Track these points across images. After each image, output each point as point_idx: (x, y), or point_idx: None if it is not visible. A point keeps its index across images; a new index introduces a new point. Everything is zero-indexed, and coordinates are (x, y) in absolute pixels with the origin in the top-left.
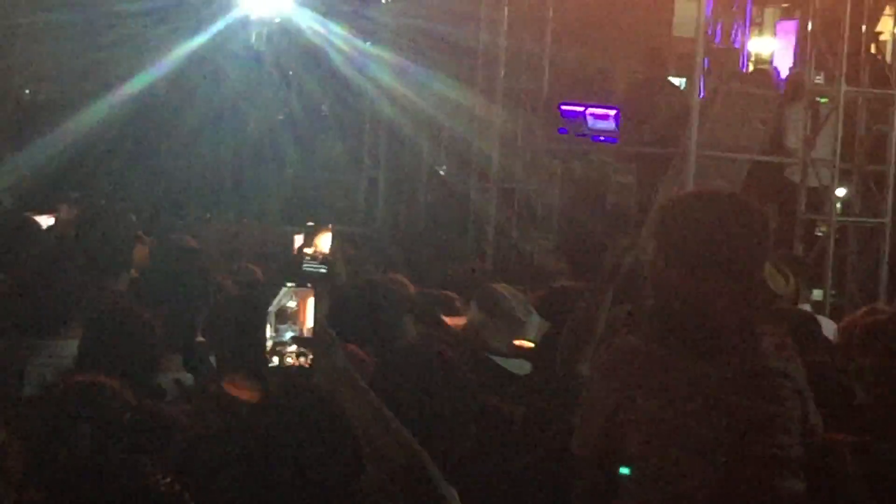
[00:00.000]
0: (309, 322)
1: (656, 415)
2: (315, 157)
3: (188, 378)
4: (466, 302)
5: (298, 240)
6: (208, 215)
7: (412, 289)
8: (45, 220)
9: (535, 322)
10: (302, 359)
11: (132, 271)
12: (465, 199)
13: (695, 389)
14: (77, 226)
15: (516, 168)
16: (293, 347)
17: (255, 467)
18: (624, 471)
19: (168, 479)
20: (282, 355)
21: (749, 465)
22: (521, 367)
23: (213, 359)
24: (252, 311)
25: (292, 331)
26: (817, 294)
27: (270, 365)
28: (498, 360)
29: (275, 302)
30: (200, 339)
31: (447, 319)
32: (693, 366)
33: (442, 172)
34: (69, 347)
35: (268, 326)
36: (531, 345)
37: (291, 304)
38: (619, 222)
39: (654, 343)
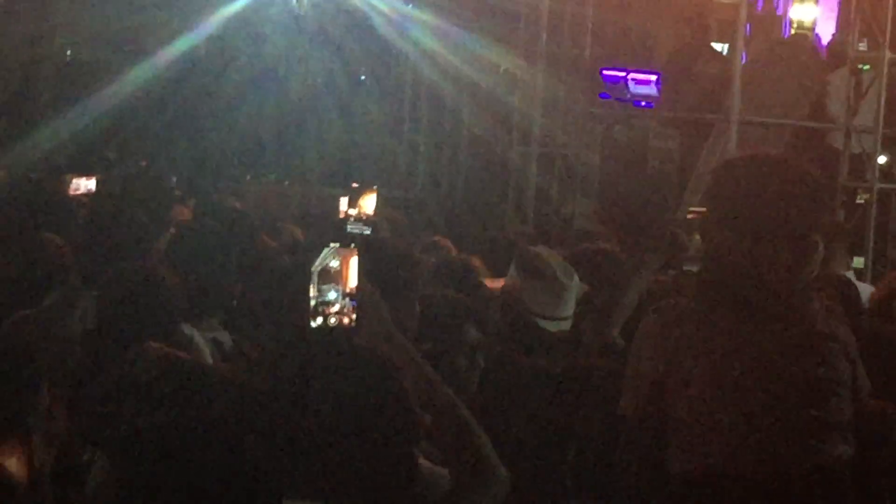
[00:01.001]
0: (352, 282)
1: (705, 377)
2: (356, 119)
3: (227, 338)
4: (506, 265)
5: (344, 202)
6: (249, 177)
7: (455, 252)
8: (87, 183)
9: (576, 285)
10: (346, 319)
11: (171, 231)
12: (505, 163)
13: (744, 352)
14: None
15: (557, 132)
16: (336, 307)
17: (294, 430)
18: None
19: None
20: (325, 315)
21: (798, 428)
22: (561, 329)
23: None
24: (295, 271)
25: (335, 290)
26: (858, 262)
27: (313, 324)
28: (540, 321)
29: (317, 262)
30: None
31: (487, 281)
32: (743, 329)
33: (483, 136)
34: None
35: (311, 286)
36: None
37: (334, 263)
38: (659, 187)
39: (704, 306)
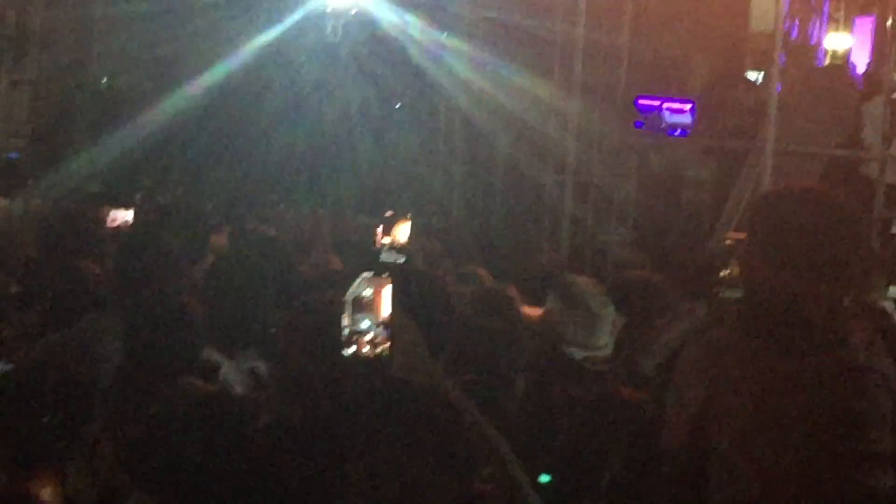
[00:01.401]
0: (385, 311)
1: (745, 409)
2: (390, 148)
3: (263, 368)
4: (543, 293)
5: (378, 230)
6: (283, 205)
7: (490, 281)
8: (124, 215)
9: (611, 315)
10: (378, 348)
11: (210, 259)
12: (540, 192)
13: (785, 385)
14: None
15: (592, 161)
16: (370, 336)
17: (328, 457)
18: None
19: None
20: (358, 344)
21: (839, 461)
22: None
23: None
24: (329, 300)
25: (369, 319)
26: (894, 291)
27: (346, 353)
28: (573, 351)
29: (351, 290)
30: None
31: (526, 309)
32: (783, 361)
33: (518, 164)
34: None
35: (344, 315)
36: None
37: (367, 292)
38: (694, 216)
39: (743, 338)
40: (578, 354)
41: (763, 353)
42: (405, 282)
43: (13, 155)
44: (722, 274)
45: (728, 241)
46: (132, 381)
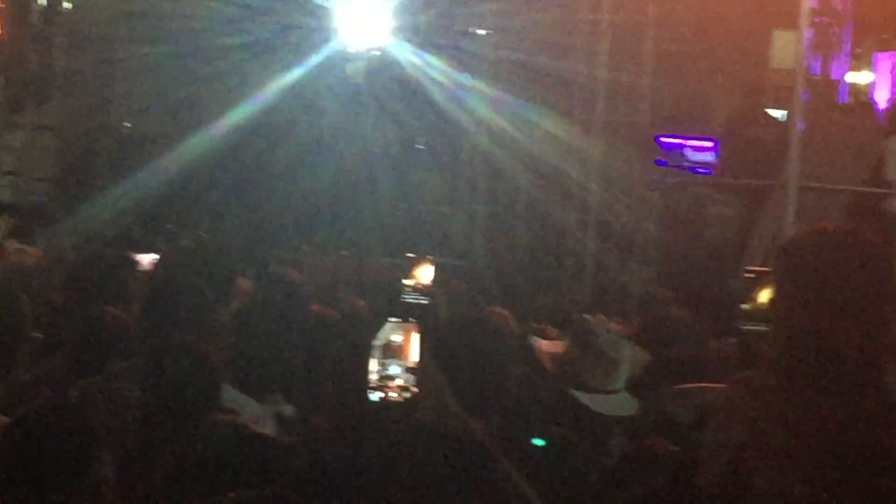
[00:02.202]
0: (414, 356)
1: (783, 449)
2: (412, 189)
3: (290, 410)
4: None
5: (400, 272)
6: (305, 247)
7: (514, 322)
8: (149, 259)
9: (627, 357)
10: (406, 394)
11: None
12: (563, 231)
13: (821, 425)
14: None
15: (614, 200)
16: (399, 381)
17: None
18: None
19: None
20: (387, 389)
21: (875, 501)
22: (606, 405)
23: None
24: (355, 344)
25: (398, 365)
26: None
27: (374, 398)
28: (584, 395)
29: (380, 336)
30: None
31: (545, 345)
32: (819, 401)
33: (540, 204)
34: None
35: (373, 360)
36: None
37: (397, 338)
38: (717, 254)
39: (780, 379)
40: (587, 398)
41: (799, 392)
42: (432, 327)
43: (41, 197)
44: (744, 307)
45: (749, 275)
46: (152, 423)
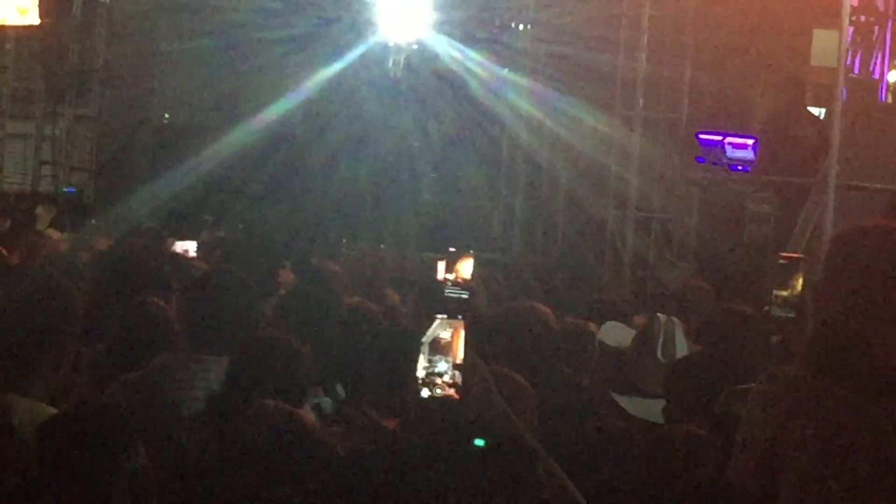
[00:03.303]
0: (461, 353)
1: (815, 446)
2: (452, 183)
3: (328, 404)
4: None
5: (441, 266)
6: (345, 241)
7: (553, 318)
8: (187, 246)
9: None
10: (453, 390)
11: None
12: (602, 227)
13: (857, 425)
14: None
15: (654, 195)
16: (446, 378)
17: (399, 498)
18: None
19: None
20: (434, 386)
21: None
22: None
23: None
24: (402, 340)
25: (446, 362)
26: None
27: (421, 395)
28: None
29: (429, 333)
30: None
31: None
32: (856, 402)
33: (579, 199)
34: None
35: (421, 356)
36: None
37: (445, 334)
38: (756, 251)
39: (815, 375)
40: (624, 400)
41: (836, 391)
42: (473, 322)
43: (70, 189)
44: (776, 293)
45: (782, 262)
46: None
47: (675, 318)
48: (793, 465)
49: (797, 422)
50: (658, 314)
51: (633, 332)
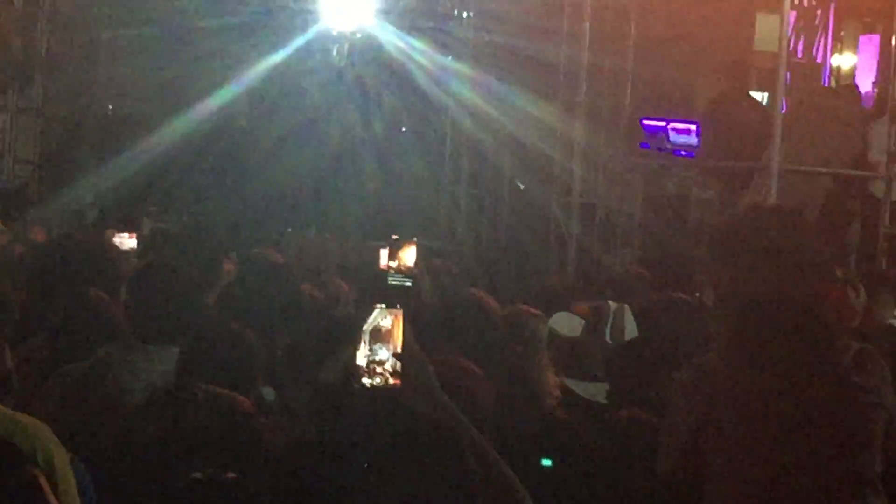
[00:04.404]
0: (399, 341)
1: (737, 432)
2: (396, 172)
3: (270, 393)
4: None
5: (384, 254)
6: (289, 230)
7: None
8: (128, 241)
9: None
10: (394, 379)
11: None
12: (546, 215)
13: (774, 408)
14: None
15: (598, 183)
16: (387, 366)
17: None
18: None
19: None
20: (374, 374)
21: (831, 483)
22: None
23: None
24: (340, 328)
25: (387, 350)
26: None
27: (364, 383)
28: (570, 383)
29: (369, 321)
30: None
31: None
32: (771, 383)
33: (523, 188)
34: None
35: (362, 345)
36: None
37: (385, 323)
38: (701, 237)
39: (731, 361)
40: (572, 384)
41: (750, 375)
42: (416, 312)
43: (2, 183)
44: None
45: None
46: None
47: (626, 305)
48: (717, 453)
49: (718, 409)
50: (609, 301)
51: (583, 321)
